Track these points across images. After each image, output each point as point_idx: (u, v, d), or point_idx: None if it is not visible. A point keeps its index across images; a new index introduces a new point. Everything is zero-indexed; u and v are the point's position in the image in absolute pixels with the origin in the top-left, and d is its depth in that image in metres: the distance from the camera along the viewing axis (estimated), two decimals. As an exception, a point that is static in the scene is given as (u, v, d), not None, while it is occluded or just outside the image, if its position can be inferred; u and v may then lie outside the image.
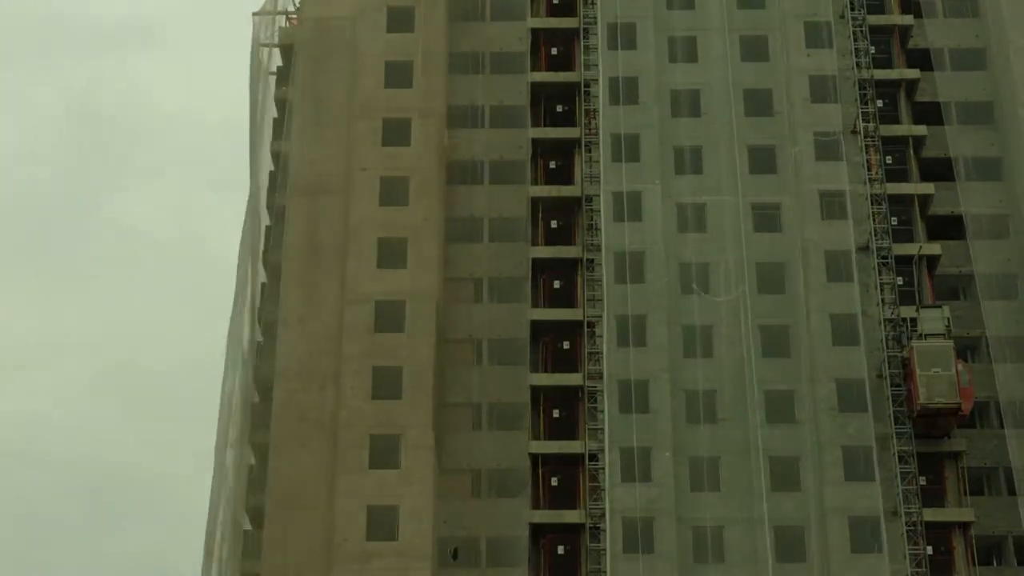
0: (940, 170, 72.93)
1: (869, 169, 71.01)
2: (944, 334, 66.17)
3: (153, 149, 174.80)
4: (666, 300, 68.94)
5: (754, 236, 70.48)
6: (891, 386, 66.36)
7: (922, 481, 64.97)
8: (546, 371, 68.76)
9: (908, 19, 75.80)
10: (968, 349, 71.17)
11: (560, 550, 65.32)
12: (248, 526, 72.06)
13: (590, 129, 72.40)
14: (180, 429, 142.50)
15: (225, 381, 73.76)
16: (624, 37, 74.47)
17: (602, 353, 67.44)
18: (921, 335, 66.30)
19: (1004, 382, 68.21)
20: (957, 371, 65.29)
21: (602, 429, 66.11)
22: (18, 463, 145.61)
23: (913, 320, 66.97)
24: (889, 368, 66.74)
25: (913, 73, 74.36)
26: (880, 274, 68.62)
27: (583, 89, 73.34)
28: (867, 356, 67.37)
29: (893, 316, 67.72)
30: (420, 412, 69.19)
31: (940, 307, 67.00)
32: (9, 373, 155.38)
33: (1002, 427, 67.73)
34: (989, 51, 76.63)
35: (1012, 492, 67.02)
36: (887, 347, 67.17)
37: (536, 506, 65.96)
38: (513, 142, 75.90)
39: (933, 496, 65.47)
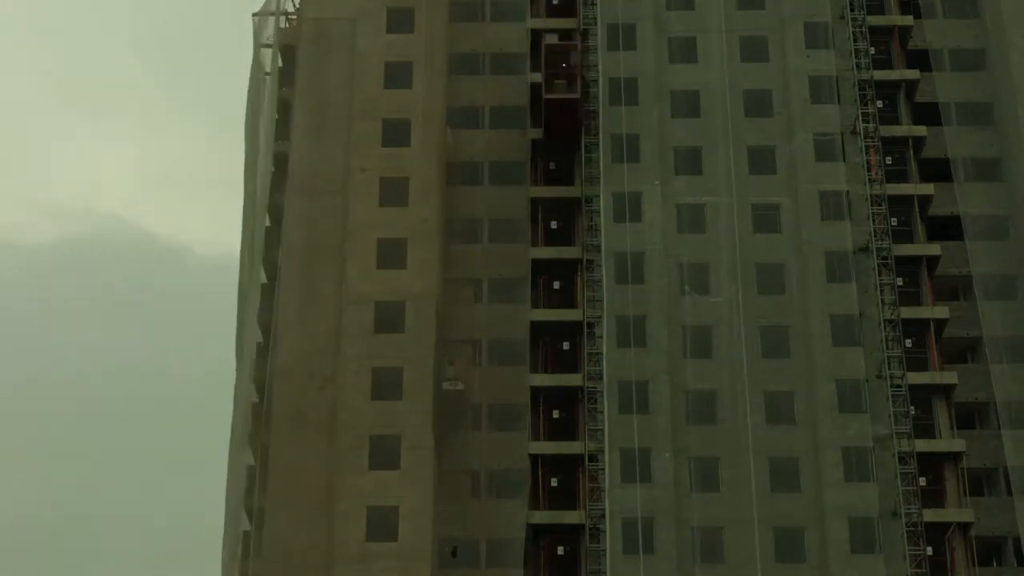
0: (940, 170, 72.95)
1: (869, 170, 71.01)
2: None
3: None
4: (666, 300, 68.96)
5: (753, 237, 70.56)
6: (890, 387, 66.42)
7: (923, 482, 64.92)
8: (546, 372, 68.73)
9: (908, 20, 75.82)
10: (967, 350, 71.30)
11: (560, 551, 65.27)
12: (248, 526, 72.03)
13: (590, 130, 72.39)
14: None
15: (237, 384, 73.80)
16: (624, 38, 74.48)
17: (602, 354, 67.42)
18: None
19: (1001, 383, 68.20)
20: None
21: (602, 430, 66.08)
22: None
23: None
24: (889, 368, 66.76)
25: (913, 74, 74.36)
26: (880, 275, 68.62)
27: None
28: (866, 356, 67.45)
29: (893, 317, 67.75)
30: (420, 412, 69.19)
31: None
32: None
33: (999, 427, 67.64)
34: (989, 51, 76.64)
35: (1011, 492, 67.05)
36: (887, 348, 67.18)
37: (536, 507, 65.89)
38: (513, 142, 75.87)
39: (933, 496, 65.27)
